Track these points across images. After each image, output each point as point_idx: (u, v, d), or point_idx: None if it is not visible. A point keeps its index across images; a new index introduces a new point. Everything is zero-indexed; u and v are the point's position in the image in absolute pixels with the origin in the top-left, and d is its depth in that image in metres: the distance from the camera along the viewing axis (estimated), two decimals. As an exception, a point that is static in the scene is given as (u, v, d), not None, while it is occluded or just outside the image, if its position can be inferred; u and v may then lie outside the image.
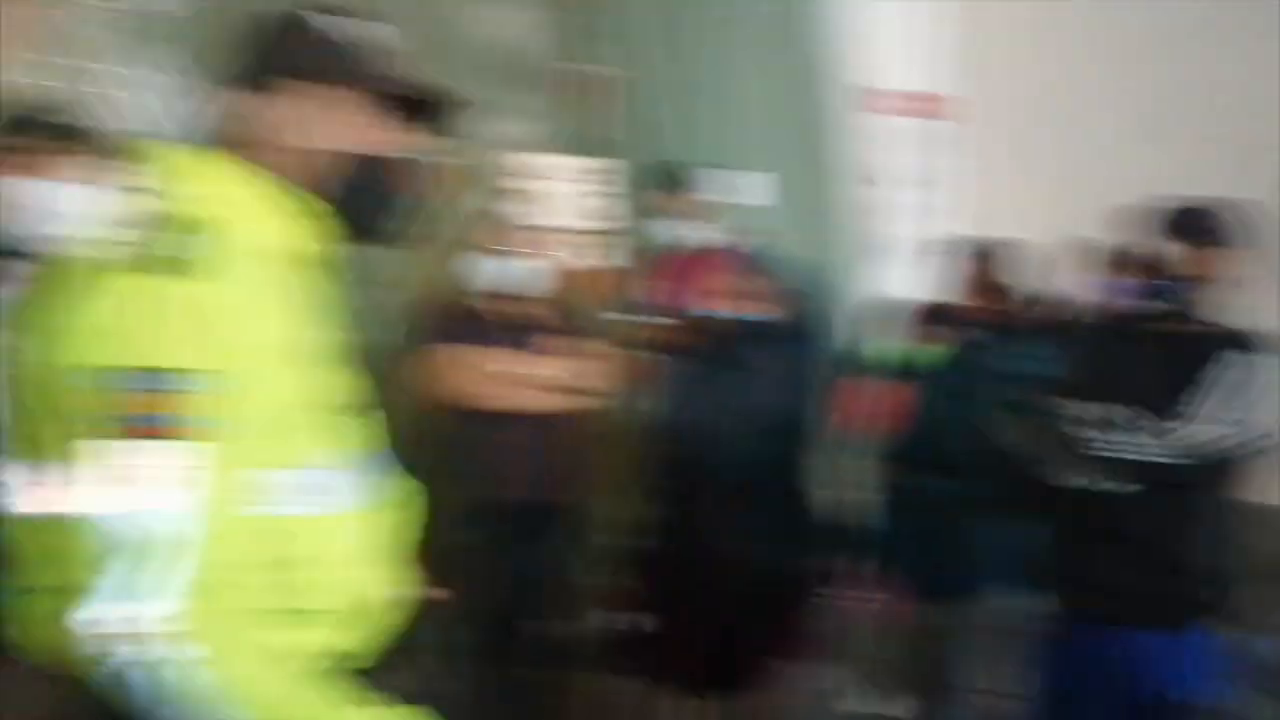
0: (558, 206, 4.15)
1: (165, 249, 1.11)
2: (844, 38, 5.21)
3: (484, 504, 2.85)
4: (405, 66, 1.32)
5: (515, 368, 2.88)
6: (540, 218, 4.00)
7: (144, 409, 1.07)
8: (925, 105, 5.87)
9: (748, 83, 4.85)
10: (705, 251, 3.54)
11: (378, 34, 1.30)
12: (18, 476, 1.16)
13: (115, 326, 1.08)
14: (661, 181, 3.59)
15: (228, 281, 1.12)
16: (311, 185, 1.23)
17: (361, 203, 1.27)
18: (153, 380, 1.07)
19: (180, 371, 1.08)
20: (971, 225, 5.78)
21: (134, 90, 2.99)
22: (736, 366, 2.80)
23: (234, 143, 1.23)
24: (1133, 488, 1.89)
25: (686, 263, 3.51)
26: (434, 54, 3.57)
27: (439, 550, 2.65)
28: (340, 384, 1.25)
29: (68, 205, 1.90)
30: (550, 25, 4.14)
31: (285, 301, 1.20)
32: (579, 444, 3.05)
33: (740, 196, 4.47)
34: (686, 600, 2.77)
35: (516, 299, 3.06)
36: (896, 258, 5.61)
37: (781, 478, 2.79)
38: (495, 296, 2.98)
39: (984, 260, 2.43)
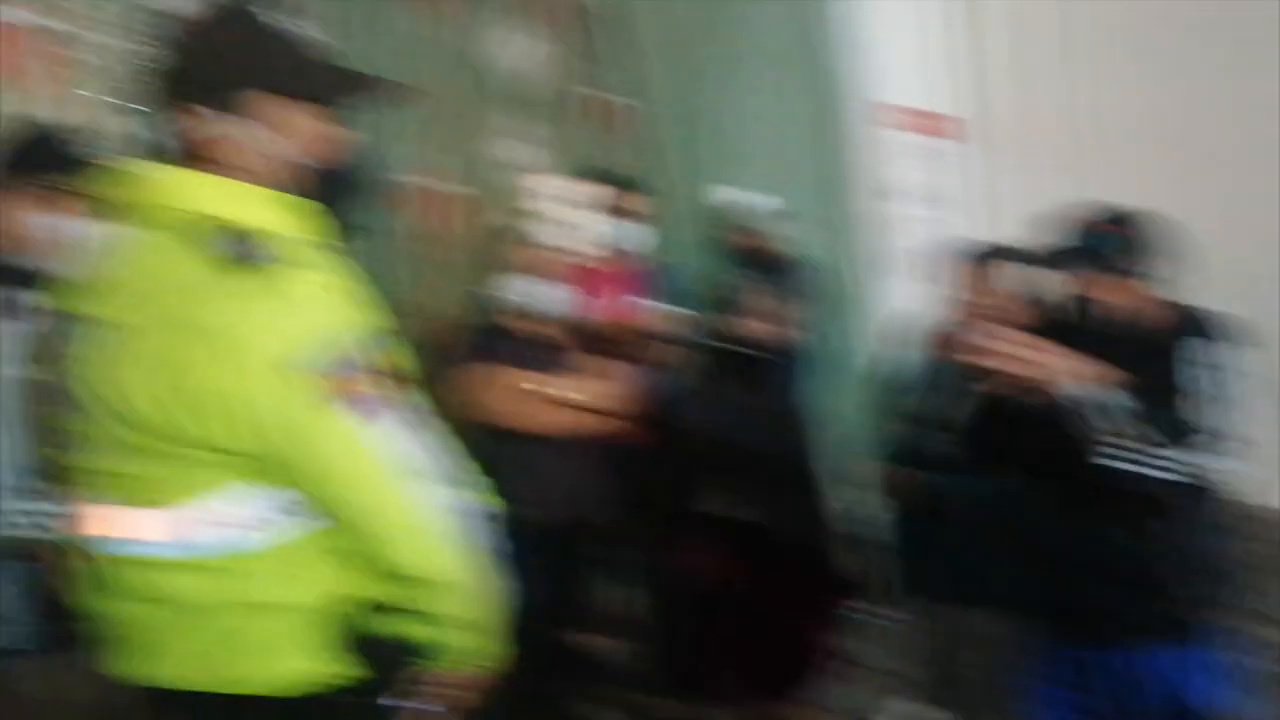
0: (576, 230, 4.23)
1: (231, 250, 1.15)
2: (855, 55, 5.29)
3: (519, 523, 2.88)
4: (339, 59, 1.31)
5: (547, 387, 2.93)
6: (561, 241, 4.08)
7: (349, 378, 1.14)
8: (932, 122, 5.94)
9: (758, 101, 4.93)
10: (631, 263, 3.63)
11: (309, 29, 1.30)
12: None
13: (261, 324, 1.12)
14: (617, 182, 3.67)
15: (310, 266, 1.20)
16: (286, 188, 1.26)
17: (332, 198, 1.29)
18: (341, 348, 1.15)
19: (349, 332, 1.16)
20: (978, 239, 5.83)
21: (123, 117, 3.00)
22: (753, 384, 2.83)
23: (207, 157, 1.23)
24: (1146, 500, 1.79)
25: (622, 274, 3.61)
26: (448, 79, 3.70)
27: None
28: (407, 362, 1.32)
29: (75, 237, 1.86)
30: (560, 52, 4.22)
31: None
32: (605, 462, 3.09)
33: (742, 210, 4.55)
34: (711, 614, 2.79)
35: (542, 319, 3.13)
36: (908, 271, 5.67)
37: (798, 488, 2.81)
38: (523, 316, 3.04)
39: (984, 264, 2.43)
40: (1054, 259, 2.02)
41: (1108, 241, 1.90)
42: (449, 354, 3.01)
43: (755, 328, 2.81)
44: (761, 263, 4.32)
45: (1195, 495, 1.81)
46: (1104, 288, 1.92)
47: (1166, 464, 1.72)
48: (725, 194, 4.79)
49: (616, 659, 3.62)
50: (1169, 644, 1.94)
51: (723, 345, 2.87)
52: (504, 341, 2.98)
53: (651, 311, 3.61)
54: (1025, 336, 1.78)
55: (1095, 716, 2.03)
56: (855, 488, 3.02)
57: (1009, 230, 2.20)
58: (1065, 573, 1.95)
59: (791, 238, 4.55)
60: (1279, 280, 5.29)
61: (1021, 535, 2.05)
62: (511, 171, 4.10)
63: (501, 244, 3.13)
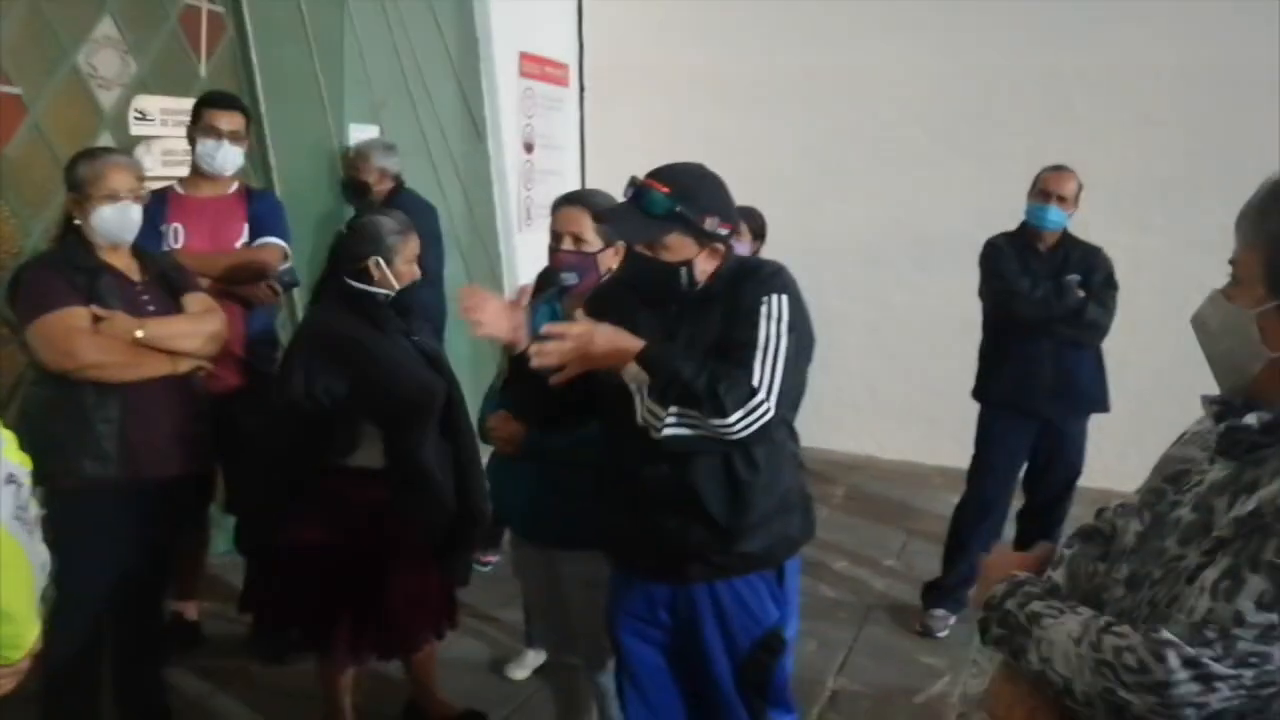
0: (168, 151, 3.85)
1: None
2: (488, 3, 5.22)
3: (117, 478, 2.61)
4: None
5: (136, 329, 2.63)
6: (150, 162, 3.70)
7: None
8: (554, 71, 6.02)
9: (406, 40, 4.75)
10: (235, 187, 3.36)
11: None
12: None
13: None
14: (217, 103, 3.35)
15: None
16: None
17: None
18: None
19: None
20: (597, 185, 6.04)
21: None
22: (372, 322, 2.70)
23: None
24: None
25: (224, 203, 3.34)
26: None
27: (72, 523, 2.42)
28: None
29: None
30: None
31: None
32: (203, 409, 2.85)
33: (365, 145, 4.37)
34: (333, 571, 2.65)
35: (132, 251, 2.77)
36: (536, 219, 5.74)
37: (424, 436, 2.73)
38: (111, 247, 2.69)
39: (565, 212, 2.44)
40: (610, 215, 2.04)
41: (655, 199, 1.92)
42: (24, 290, 2.61)
43: (375, 265, 2.69)
44: (381, 199, 4.18)
45: (758, 444, 1.91)
46: (659, 246, 1.94)
47: (722, 423, 1.83)
48: (349, 128, 4.57)
49: (225, 625, 3.39)
50: (742, 576, 2.06)
51: (340, 282, 2.71)
52: (88, 277, 2.63)
53: (256, 245, 3.35)
54: (559, 329, 1.86)
55: (670, 646, 2.14)
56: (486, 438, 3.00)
57: (615, 181, 2.18)
58: (642, 512, 2.02)
59: (408, 175, 4.42)
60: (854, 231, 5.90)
61: (606, 479, 2.10)
62: (100, 84, 3.65)
63: (88, 165, 2.70)
